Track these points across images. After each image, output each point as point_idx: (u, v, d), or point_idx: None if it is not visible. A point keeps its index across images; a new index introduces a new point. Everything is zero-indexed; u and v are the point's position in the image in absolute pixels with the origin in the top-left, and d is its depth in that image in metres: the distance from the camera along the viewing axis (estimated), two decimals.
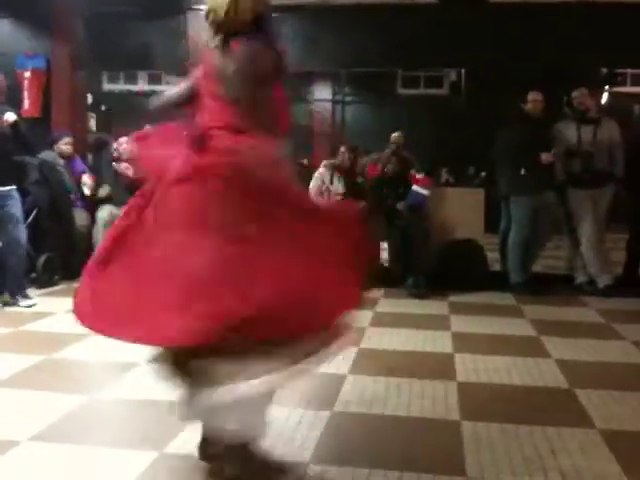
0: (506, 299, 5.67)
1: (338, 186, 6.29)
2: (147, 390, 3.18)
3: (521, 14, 7.15)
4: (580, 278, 6.01)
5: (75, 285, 5.77)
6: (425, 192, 6.24)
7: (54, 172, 6.10)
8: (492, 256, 6.49)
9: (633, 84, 12.23)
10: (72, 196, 6.30)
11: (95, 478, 2.36)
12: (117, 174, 6.34)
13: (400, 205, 6.10)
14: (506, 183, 5.96)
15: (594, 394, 3.27)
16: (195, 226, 2.06)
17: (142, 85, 12.98)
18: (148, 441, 2.61)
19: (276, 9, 2.47)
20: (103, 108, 11.59)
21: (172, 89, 2.57)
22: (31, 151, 6.13)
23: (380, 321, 4.81)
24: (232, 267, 1.99)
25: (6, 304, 5.07)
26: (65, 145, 6.48)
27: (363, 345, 4.14)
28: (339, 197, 6.24)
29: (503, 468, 2.44)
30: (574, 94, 5.95)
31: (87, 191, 6.34)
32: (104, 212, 6.12)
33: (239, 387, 1.98)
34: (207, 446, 2.33)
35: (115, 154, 6.43)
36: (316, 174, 6.38)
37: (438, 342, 4.26)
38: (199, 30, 7.78)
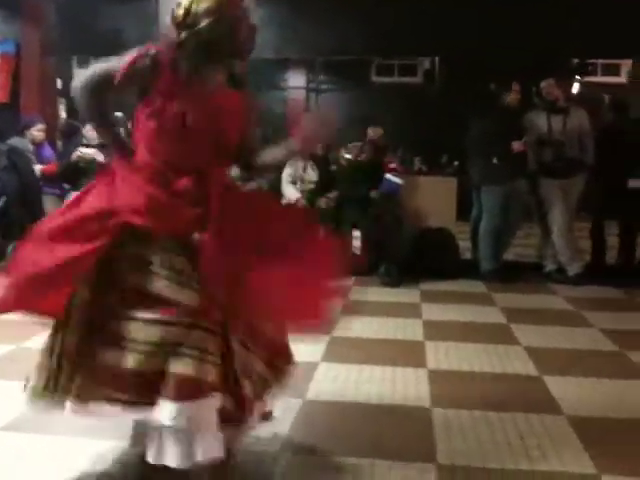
0: (477, 287, 5.73)
1: (311, 174, 6.28)
2: None
3: (495, 2, 7.18)
4: (549, 266, 6.09)
5: None
6: (399, 180, 6.27)
7: (23, 158, 6.00)
8: (464, 245, 6.54)
9: (604, 74, 12.39)
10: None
11: (70, 468, 2.34)
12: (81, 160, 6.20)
13: (373, 193, 6.11)
14: (478, 172, 6.00)
15: (563, 381, 3.32)
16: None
17: None
18: (123, 429, 2.59)
19: None
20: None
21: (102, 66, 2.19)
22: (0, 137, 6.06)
23: (352, 309, 4.83)
24: None
25: None
26: (37, 131, 6.38)
27: (335, 333, 4.15)
28: (312, 185, 6.24)
29: (473, 454, 2.47)
30: (542, 84, 6.01)
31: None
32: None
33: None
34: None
35: (84, 140, 6.32)
36: (289, 162, 6.36)
37: (409, 330, 4.29)
38: (169, 16, 7.71)
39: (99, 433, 2.53)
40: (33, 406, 2.12)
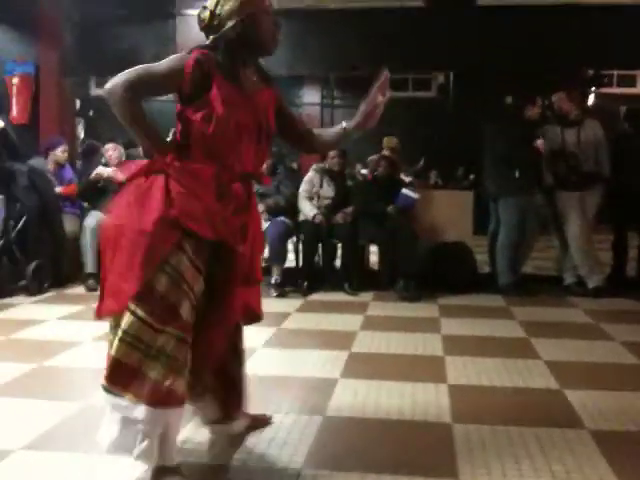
0: (495, 301, 5.71)
1: (328, 190, 6.31)
2: None
3: (509, 16, 7.18)
4: (569, 279, 6.06)
5: (65, 292, 5.75)
6: (414, 195, 6.27)
7: (43, 178, 6.08)
8: (481, 258, 6.53)
9: (619, 85, 12.35)
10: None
11: None
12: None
13: (390, 208, 6.12)
14: (496, 184, 5.98)
15: (584, 394, 3.30)
16: None
17: None
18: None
19: None
20: (91, 113, 11.57)
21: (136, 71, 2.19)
22: (20, 157, 6.14)
23: (370, 324, 4.84)
24: None
25: None
26: (62, 152, 6.49)
27: (354, 349, 4.16)
28: (328, 201, 6.26)
29: (494, 470, 2.46)
30: (553, 98, 6.02)
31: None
32: (92, 218, 6.08)
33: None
34: None
35: (103, 160, 6.40)
36: (306, 178, 6.39)
37: (428, 345, 4.29)
38: (187, 35, 7.81)
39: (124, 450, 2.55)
40: None
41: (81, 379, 3.65)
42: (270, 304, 4.91)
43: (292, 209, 6.31)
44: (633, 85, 12.63)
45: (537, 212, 5.94)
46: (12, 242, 5.73)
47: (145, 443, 2.18)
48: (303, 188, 6.29)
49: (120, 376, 2.18)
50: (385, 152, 7.23)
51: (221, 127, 2.18)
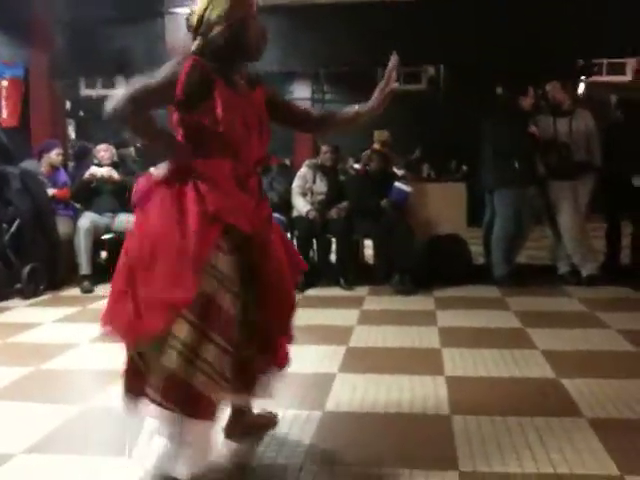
0: (491, 292, 5.73)
1: (321, 185, 6.31)
2: None
3: (499, 8, 7.20)
4: (563, 268, 6.08)
5: (61, 294, 5.72)
6: (407, 188, 6.28)
7: (36, 181, 6.06)
8: (475, 250, 6.55)
9: (609, 73, 12.37)
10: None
11: None
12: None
13: (383, 202, 6.13)
14: (493, 176, 5.96)
15: (581, 383, 3.32)
16: None
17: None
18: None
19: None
20: (81, 114, 11.54)
21: (137, 84, 2.17)
22: (12, 160, 6.12)
23: (367, 319, 4.85)
24: None
25: None
26: (57, 155, 6.48)
27: (351, 344, 4.17)
28: (322, 196, 6.26)
29: (494, 460, 2.48)
30: (547, 88, 6.02)
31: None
32: (86, 220, 6.06)
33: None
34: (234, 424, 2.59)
35: (95, 161, 6.38)
36: (299, 174, 6.39)
37: (425, 337, 4.30)
38: (176, 34, 7.79)
39: (124, 451, 2.56)
40: None
41: (79, 381, 3.65)
42: None
43: (286, 205, 6.31)
44: (623, 73, 12.65)
45: (531, 203, 5.95)
46: (6, 246, 5.71)
47: (188, 454, 2.13)
48: (296, 184, 6.30)
49: (175, 390, 2.11)
50: (376, 146, 7.24)
51: (230, 127, 2.20)
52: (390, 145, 7.53)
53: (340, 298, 5.65)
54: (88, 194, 6.24)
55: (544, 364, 3.66)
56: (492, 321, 4.73)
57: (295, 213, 6.26)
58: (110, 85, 12.92)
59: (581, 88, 11.68)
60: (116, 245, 6.47)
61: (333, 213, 6.13)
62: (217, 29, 2.22)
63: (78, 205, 6.46)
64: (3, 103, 7.73)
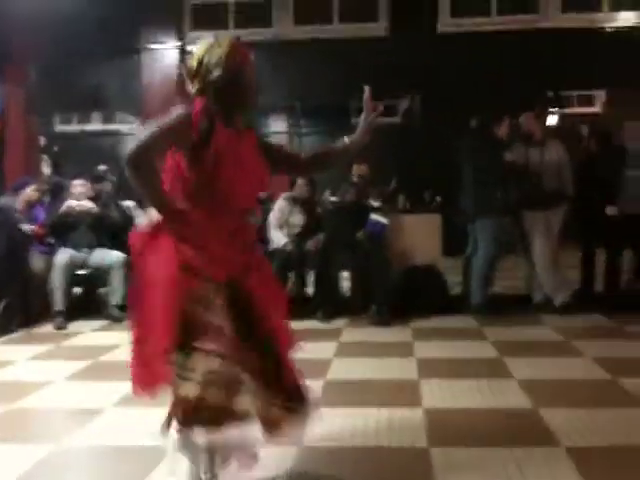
0: (467, 322, 5.74)
1: (298, 218, 6.32)
2: (115, 436, 3.16)
3: (469, 43, 7.35)
4: (537, 297, 6.13)
5: (34, 331, 5.64)
6: (384, 220, 6.32)
7: (10, 217, 6.01)
8: (451, 280, 6.57)
9: (580, 105, 12.63)
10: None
11: None
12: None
13: (360, 234, 6.15)
14: (474, 204, 5.99)
15: (558, 412, 3.33)
16: None
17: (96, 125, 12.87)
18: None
19: None
20: (56, 150, 11.49)
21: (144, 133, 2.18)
22: None
23: (345, 351, 4.83)
24: None
25: None
26: (33, 191, 6.43)
27: (329, 376, 4.15)
28: (299, 229, 6.27)
29: None
30: (520, 119, 6.12)
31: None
32: (63, 255, 6.01)
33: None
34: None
35: (71, 197, 6.33)
36: (275, 207, 6.39)
37: (403, 369, 4.29)
38: (152, 70, 7.82)
39: None
40: None
41: (54, 420, 3.58)
42: None
43: (262, 239, 6.30)
44: (592, 105, 12.91)
45: (507, 232, 6.02)
46: None
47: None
48: (273, 217, 6.30)
49: (196, 413, 2.20)
50: (354, 179, 7.28)
51: (226, 168, 2.21)
52: (367, 178, 7.57)
53: (317, 331, 5.62)
54: (65, 229, 6.18)
55: (521, 394, 3.67)
56: (469, 351, 4.73)
57: (272, 246, 6.25)
58: (86, 120, 12.95)
59: (553, 119, 11.89)
60: (91, 280, 6.43)
61: (310, 245, 6.14)
62: (216, 72, 2.25)
63: (52, 241, 6.39)
64: None
